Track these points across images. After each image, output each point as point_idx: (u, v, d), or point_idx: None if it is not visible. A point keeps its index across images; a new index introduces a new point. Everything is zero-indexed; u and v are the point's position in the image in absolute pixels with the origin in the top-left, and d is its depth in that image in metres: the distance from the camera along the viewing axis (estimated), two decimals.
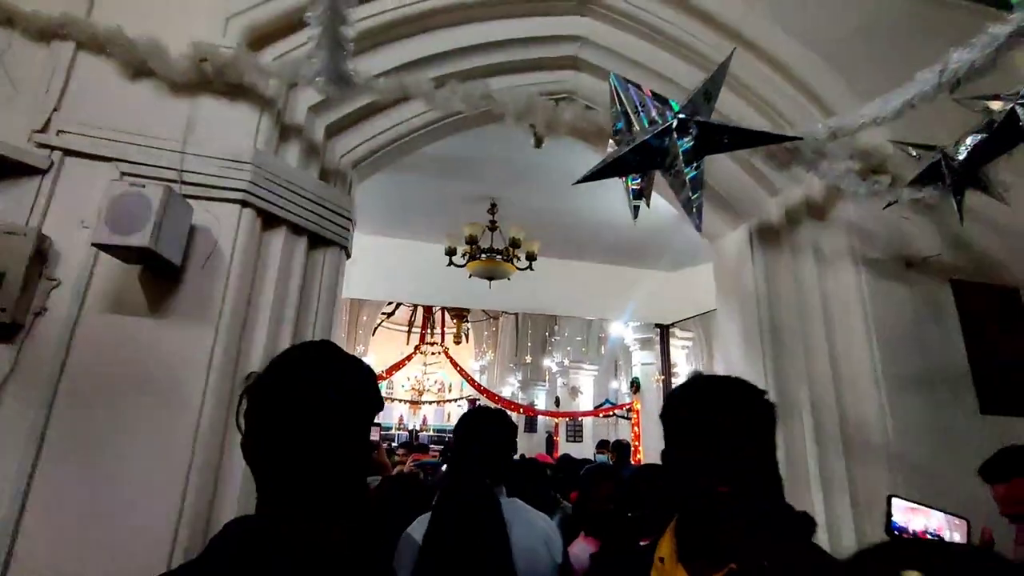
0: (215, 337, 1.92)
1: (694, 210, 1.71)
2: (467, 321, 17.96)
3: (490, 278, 4.99)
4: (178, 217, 1.85)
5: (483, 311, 15.06)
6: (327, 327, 2.30)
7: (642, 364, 10.26)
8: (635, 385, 10.24)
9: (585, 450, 13.59)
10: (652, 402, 9.84)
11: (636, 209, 1.89)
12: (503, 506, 1.61)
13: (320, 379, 0.86)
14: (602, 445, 6.16)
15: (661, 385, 7.43)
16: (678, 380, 7.68)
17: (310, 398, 0.84)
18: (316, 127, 2.41)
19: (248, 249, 2.06)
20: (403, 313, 25.97)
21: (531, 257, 5.03)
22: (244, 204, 2.06)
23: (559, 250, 6.52)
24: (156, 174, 1.94)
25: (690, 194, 1.73)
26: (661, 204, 5.77)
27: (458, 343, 16.99)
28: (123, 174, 1.92)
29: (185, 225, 1.91)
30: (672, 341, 8.77)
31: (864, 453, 2.42)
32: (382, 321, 25.79)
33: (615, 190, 5.10)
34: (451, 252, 4.98)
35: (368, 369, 0.95)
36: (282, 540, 0.79)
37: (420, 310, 18.88)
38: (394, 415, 26.13)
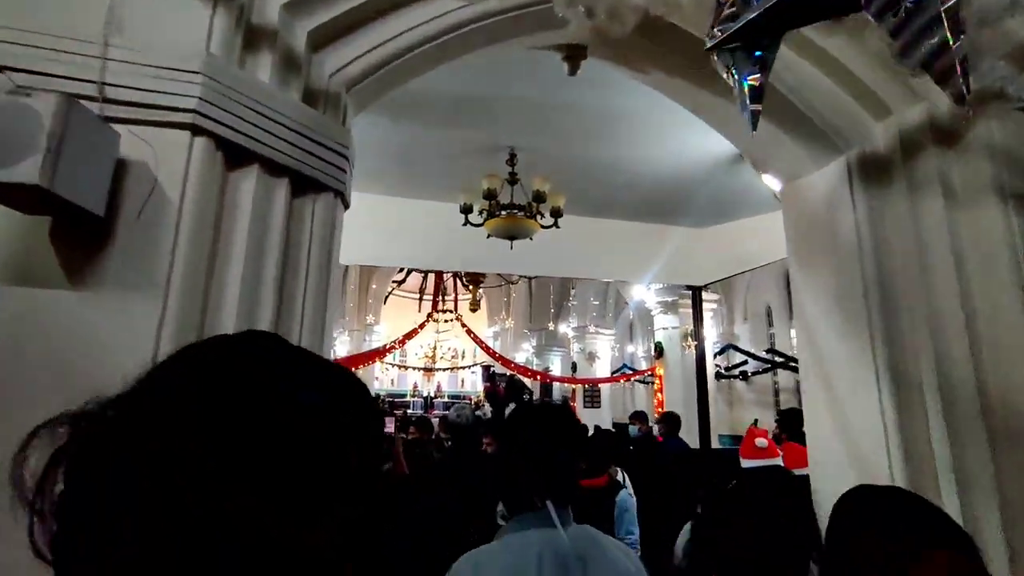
0: (162, 314, 1.37)
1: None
2: (482, 287, 17.46)
3: (511, 237, 4.42)
4: (93, 145, 1.28)
5: (499, 275, 14.48)
6: (321, 296, 1.75)
7: (664, 328, 9.75)
8: (658, 350, 9.74)
9: (603, 416, 13.26)
10: (676, 367, 9.36)
11: (754, 117, 1.29)
12: (575, 538, 1.11)
13: (321, 402, 0.45)
14: (636, 417, 5.69)
15: (694, 350, 6.91)
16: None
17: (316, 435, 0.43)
18: (296, 33, 1.80)
19: (205, 192, 1.49)
20: (414, 280, 25.50)
21: (556, 213, 4.44)
22: (196, 130, 1.47)
23: (583, 207, 5.89)
24: (65, 87, 1.35)
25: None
26: (692, 156, 5.17)
27: (475, 310, 16.50)
28: (18, 87, 1.34)
29: (107, 158, 1.33)
30: None
31: (1017, 442, 1.87)
32: (393, 289, 25.39)
33: (650, 136, 4.45)
34: (467, 210, 4.40)
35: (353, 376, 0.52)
36: None
37: (432, 277, 18.38)
38: (408, 382, 26.08)
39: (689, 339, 8.60)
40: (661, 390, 9.69)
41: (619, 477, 3.16)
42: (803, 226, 2.64)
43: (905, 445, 2.05)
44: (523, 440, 1.16)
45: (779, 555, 1.09)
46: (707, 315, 9.33)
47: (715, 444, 7.33)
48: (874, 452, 2.11)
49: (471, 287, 14.13)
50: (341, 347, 17.07)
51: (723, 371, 12.13)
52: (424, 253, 5.85)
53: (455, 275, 15.18)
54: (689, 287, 6.90)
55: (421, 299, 23.90)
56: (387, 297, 24.59)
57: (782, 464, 2.83)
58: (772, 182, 2.90)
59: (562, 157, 4.62)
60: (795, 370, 10.95)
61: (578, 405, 13.63)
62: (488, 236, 4.71)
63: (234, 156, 1.59)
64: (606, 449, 3.04)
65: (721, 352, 11.92)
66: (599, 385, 13.48)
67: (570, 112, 3.99)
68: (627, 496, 2.83)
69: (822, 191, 2.47)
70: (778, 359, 10.51)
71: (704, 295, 7.23)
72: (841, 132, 2.33)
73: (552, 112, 4.02)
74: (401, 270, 22.28)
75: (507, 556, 1.06)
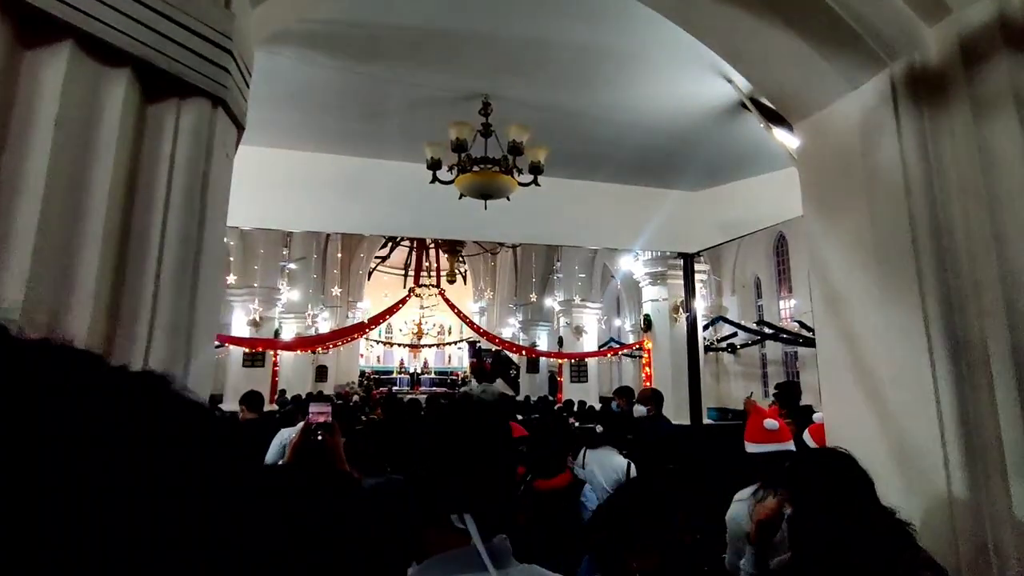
0: None
1: None
2: (461, 258, 16.93)
3: (485, 196, 3.89)
4: None
5: (477, 244, 13.96)
6: (189, 249, 1.23)
7: (652, 300, 9.34)
8: (646, 323, 9.35)
9: (590, 391, 12.94)
10: (664, 340, 8.98)
11: None
12: None
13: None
14: (620, 392, 5.30)
15: (683, 322, 6.51)
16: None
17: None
18: None
19: None
20: (399, 256, 24.92)
21: (536, 169, 3.91)
22: None
23: (567, 168, 5.37)
24: None
25: None
26: (686, 108, 4.65)
27: (452, 282, 16.03)
28: None
29: None
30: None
31: None
32: (376, 265, 24.79)
33: (642, 81, 3.90)
34: (435, 165, 3.86)
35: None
36: None
37: (415, 251, 17.79)
38: (394, 360, 25.70)
39: (680, 309, 8.24)
40: (649, 364, 9.33)
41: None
42: (827, 166, 2.15)
43: (965, 434, 1.60)
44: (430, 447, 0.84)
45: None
46: (697, 287, 8.93)
47: (705, 420, 6.95)
48: (925, 443, 1.67)
49: (448, 257, 13.59)
50: (323, 324, 16.52)
51: (710, 344, 11.85)
52: (389, 218, 5.34)
53: (437, 247, 14.61)
54: (680, 255, 6.46)
55: (406, 275, 23.36)
56: (371, 273, 24.04)
57: (795, 450, 2.40)
58: (786, 138, 2.41)
59: (543, 106, 4.09)
60: (786, 342, 10.72)
61: (565, 380, 13.30)
62: (460, 197, 4.18)
63: (33, 26, 1.05)
64: (563, 437, 2.57)
65: (711, 324, 11.62)
66: (586, 360, 13.11)
67: (552, 52, 3.44)
68: (593, 496, 2.41)
69: (855, 119, 1.98)
70: (768, 331, 10.18)
71: (696, 267, 6.82)
72: (883, 38, 1.82)
73: (530, 52, 3.47)
74: (384, 245, 21.70)
75: None
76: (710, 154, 5.09)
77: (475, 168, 3.79)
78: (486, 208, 4.05)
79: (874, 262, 1.88)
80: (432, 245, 14.90)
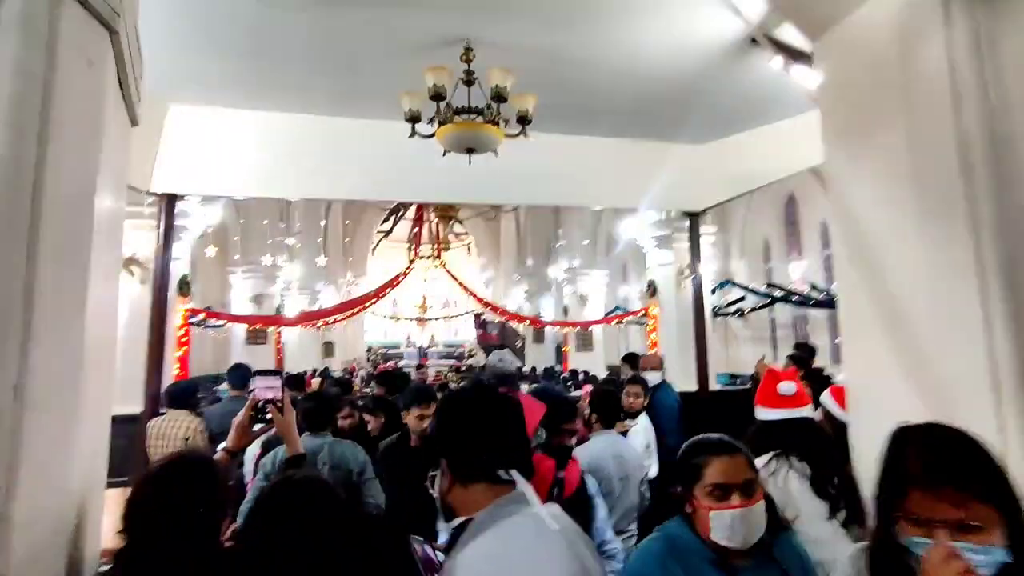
0: None
1: None
2: (457, 224, 16.58)
3: (470, 150, 3.57)
4: None
5: (468, 206, 13.61)
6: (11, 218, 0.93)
7: (659, 265, 9.05)
8: (651, 288, 9.06)
9: (596, 360, 12.74)
10: (671, 306, 8.72)
11: None
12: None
13: None
14: (627, 359, 5.13)
15: (691, 284, 6.19)
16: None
17: None
18: None
19: None
20: (405, 229, 24.58)
21: (524, 120, 3.57)
22: None
23: (560, 122, 4.99)
24: None
25: None
26: (689, 48, 4.23)
27: (445, 250, 15.74)
28: None
29: None
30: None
31: None
32: (380, 239, 24.51)
33: (640, 15, 3.51)
34: (414, 118, 3.53)
35: None
36: None
37: (415, 222, 17.45)
38: (401, 334, 25.65)
39: (686, 272, 7.95)
40: (656, 330, 9.09)
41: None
42: (855, 86, 1.81)
43: None
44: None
45: None
46: (704, 249, 8.58)
47: (713, 386, 6.73)
48: (972, 390, 1.37)
49: (440, 222, 13.25)
50: (327, 298, 16.39)
51: (718, 308, 11.55)
52: (368, 182, 5.09)
53: (437, 216, 14.28)
54: (687, 214, 6.11)
55: (411, 247, 23.09)
56: (375, 247, 23.79)
57: (813, 416, 2.13)
58: (803, 74, 2.06)
59: (531, 50, 3.71)
60: (798, 304, 10.43)
61: (571, 349, 13.12)
62: (444, 154, 3.85)
63: None
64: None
65: (719, 288, 11.30)
66: (592, 328, 12.87)
67: None
68: (597, 495, 2.21)
69: (890, 21, 1.63)
70: (778, 293, 9.86)
71: (701, 227, 6.48)
72: None
73: None
74: (387, 219, 21.36)
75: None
76: (716, 102, 4.68)
77: (457, 119, 3.45)
78: (470, 163, 3.72)
79: (911, 192, 1.56)
80: (434, 216, 14.57)
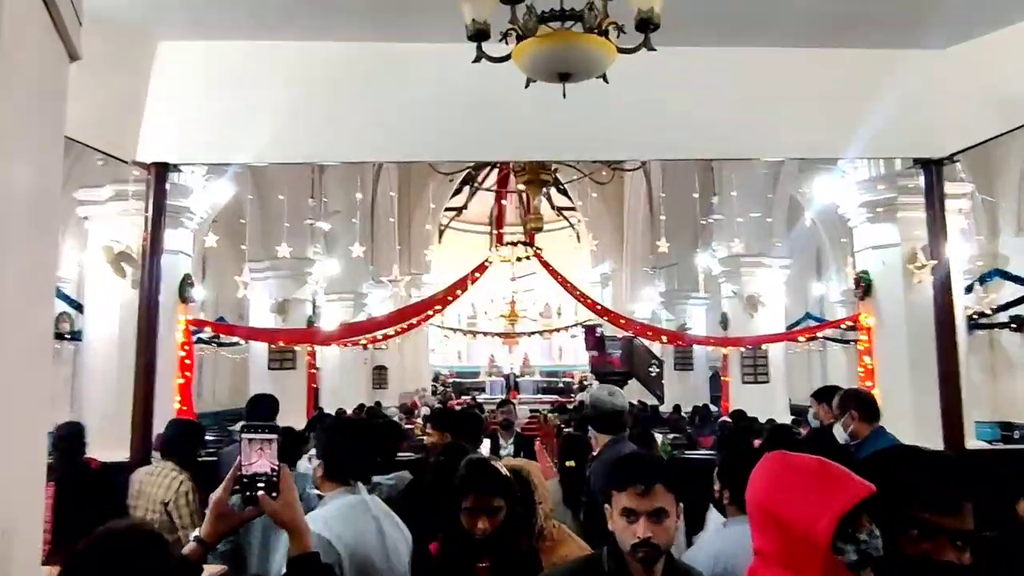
0: None
1: None
2: (556, 194, 16.57)
3: (564, 75, 3.50)
4: None
5: (571, 165, 13.49)
6: None
7: (875, 248, 8.76)
8: (863, 285, 8.75)
9: (774, 395, 12.27)
10: (896, 312, 8.37)
11: None
12: None
13: None
14: (821, 395, 4.96)
15: (931, 280, 5.85)
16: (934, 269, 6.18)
17: None
18: None
19: None
20: (482, 207, 25.18)
21: (646, 24, 3.41)
22: None
23: (707, 26, 4.87)
24: None
25: None
26: None
27: (537, 230, 15.80)
28: None
29: None
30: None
31: None
32: (451, 220, 25.30)
33: None
34: (480, 34, 3.50)
35: None
36: None
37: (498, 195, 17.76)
38: (482, 356, 26.22)
39: (920, 258, 7.49)
40: (870, 352, 8.66)
41: None
42: None
43: None
44: None
45: None
46: (956, 216, 8.12)
47: (969, 441, 6.30)
48: None
49: (528, 189, 13.15)
50: (377, 306, 17.07)
51: (978, 316, 10.99)
52: (427, 136, 5.30)
53: (520, 182, 14.40)
54: (920, 163, 5.77)
55: (492, 231, 23.55)
56: (442, 233, 24.57)
57: None
58: None
59: None
60: None
61: (733, 379, 12.84)
62: (528, 84, 3.80)
63: None
64: None
65: (979, 283, 10.83)
66: (767, 348, 12.50)
67: None
68: None
69: None
70: None
71: (947, 186, 6.05)
72: None
73: None
74: (457, 191, 21.95)
75: None
76: None
77: (543, 29, 3.39)
78: (565, 96, 3.65)
79: None
80: (517, 183, 14.72)
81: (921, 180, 5.96)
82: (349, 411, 11.20)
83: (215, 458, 5.22)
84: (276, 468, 1.68)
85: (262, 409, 4.80)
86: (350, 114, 5.23)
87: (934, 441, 5.61)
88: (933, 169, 5.76)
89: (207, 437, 6.70)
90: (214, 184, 9.31)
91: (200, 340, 11.70)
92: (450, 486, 2.55)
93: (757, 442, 4.88)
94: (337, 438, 2.57)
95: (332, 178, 14.51)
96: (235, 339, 13.15)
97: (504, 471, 2.55)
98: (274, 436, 1.71)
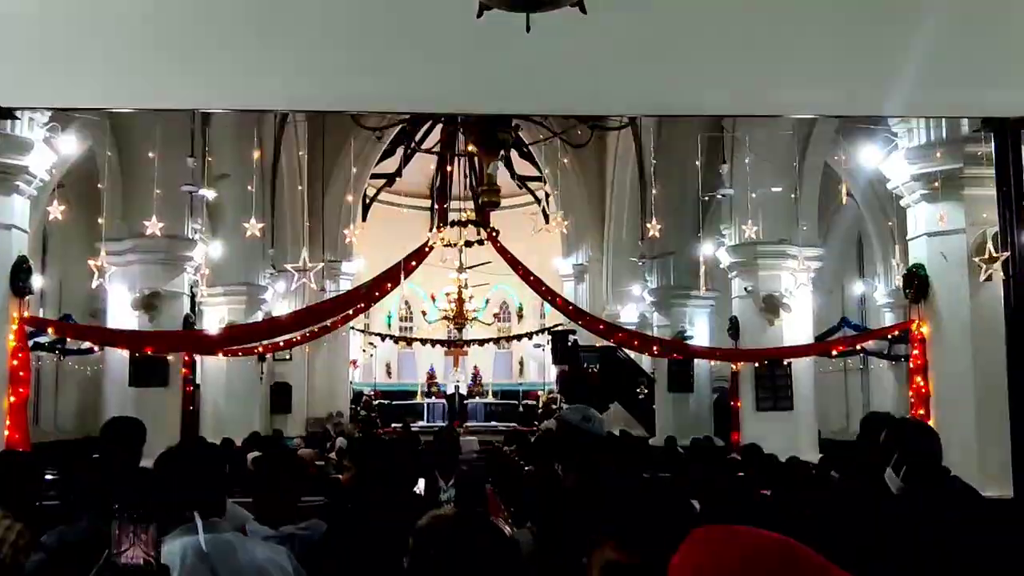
0: None
1: None
2: (516, 157, 16.64)
3: (529, 5, 3.55)
4: None
5: (536, 122, 13.53)
6: None
7: (930, 235, 8.98)
8: (915, 283, 8.97)
9: (799, 425, 12.44)
10: (957, 317, 8.62)
11: None
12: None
13: None
14: (869, 424, 4.97)
15: (1002, 275, 5.97)
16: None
17: None
18: None
19: None
20: (420, 175, 25.07)
21: None
22: None
23: None
24: None
25: None
26: None
27: (493, 206, 15.83)
28: None
29: None
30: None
31: None
32: (379, 191, 25.23)
33: None
34: None
35: None
36: None
37: (441, 165, 17.70)
38: (419, 369, 26.16)
39: (990, 249, 7.64)
40: (924, 368, 8.84)
41: None
42: None
43: None
44: None
45: None
46: None
47: None
48: None
49: (481, 154, 13.14)
50: (278, 303, 16.92)
51: None
52: (347, 79, 5.49)
53: (468, 145, 14.37)
54: (988, 124, 5.83)
55: (433, 208, 23.51)
56: (367, 207, 24.46)
57: None
58: None
59: None
60: None
61: (745, 404, 12.96)
62: (480, 13, 3.82)
63: None
64: None
65: None
66: (788, 362, 12.62)
67: None
68: None
69: None
70: None
71: None
72: None
73: None
74: (387, 154, 21.84)
75: None
76: None
77: None
78: (529, 31, 3.66)
79: None
80: (466, 145, 14.66)
81: (989, 148, 6.07)
82: (238, 442, 11.03)
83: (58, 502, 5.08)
84: (152, 552, 1.70)
85: (120, 439, 4.66)
86: (242, 47, 5.19)
87: (1002, 486, 5.73)
88: (1008, 132, 5.85)
89: (46, 476, 6.55)
90: (60, 138, 9.13)
91: (38, 346, 11.46)
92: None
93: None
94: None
95: (220, 132, 14.29)
96: (86, 344, 12.91)
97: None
98: (149, 518, 1.74)
